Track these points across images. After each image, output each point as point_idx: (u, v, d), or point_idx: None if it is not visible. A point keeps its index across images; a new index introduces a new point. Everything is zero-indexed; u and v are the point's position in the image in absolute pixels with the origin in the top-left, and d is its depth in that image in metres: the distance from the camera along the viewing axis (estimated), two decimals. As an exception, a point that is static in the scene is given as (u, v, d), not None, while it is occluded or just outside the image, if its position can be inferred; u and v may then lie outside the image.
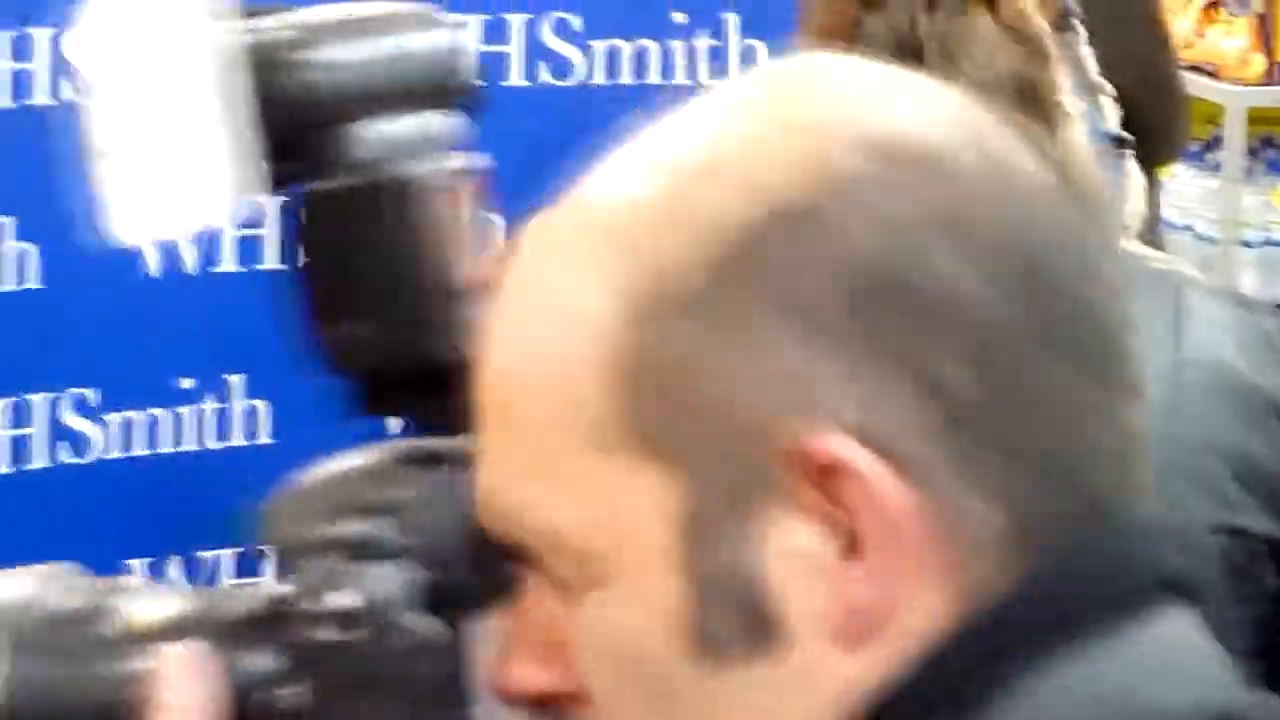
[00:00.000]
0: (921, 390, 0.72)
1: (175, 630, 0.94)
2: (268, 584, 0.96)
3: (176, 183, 0.99)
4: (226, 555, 2.55)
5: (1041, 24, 2.19)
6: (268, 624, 0.93)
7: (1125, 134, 2.22)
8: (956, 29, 2.11)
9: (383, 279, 1.00)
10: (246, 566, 2.46)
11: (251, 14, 0.97)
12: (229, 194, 0.96)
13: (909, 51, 1.92)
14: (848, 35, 2.14)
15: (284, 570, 0.94)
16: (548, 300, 0.77)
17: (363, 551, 0.93)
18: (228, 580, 2.63)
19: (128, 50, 0.96)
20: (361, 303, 0.98)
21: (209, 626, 0.94)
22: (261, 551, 1.05)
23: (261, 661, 0.92)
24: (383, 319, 1.00)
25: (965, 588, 0.74)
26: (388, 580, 0.92)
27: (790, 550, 0.73)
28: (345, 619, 0.90)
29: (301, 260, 1.02)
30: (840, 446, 0.70)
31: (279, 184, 0.95)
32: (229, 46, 0.94)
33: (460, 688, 0.91)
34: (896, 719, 0.74)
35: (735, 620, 0.75)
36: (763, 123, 0.77)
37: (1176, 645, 0.76)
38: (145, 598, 0.98)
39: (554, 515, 0.76)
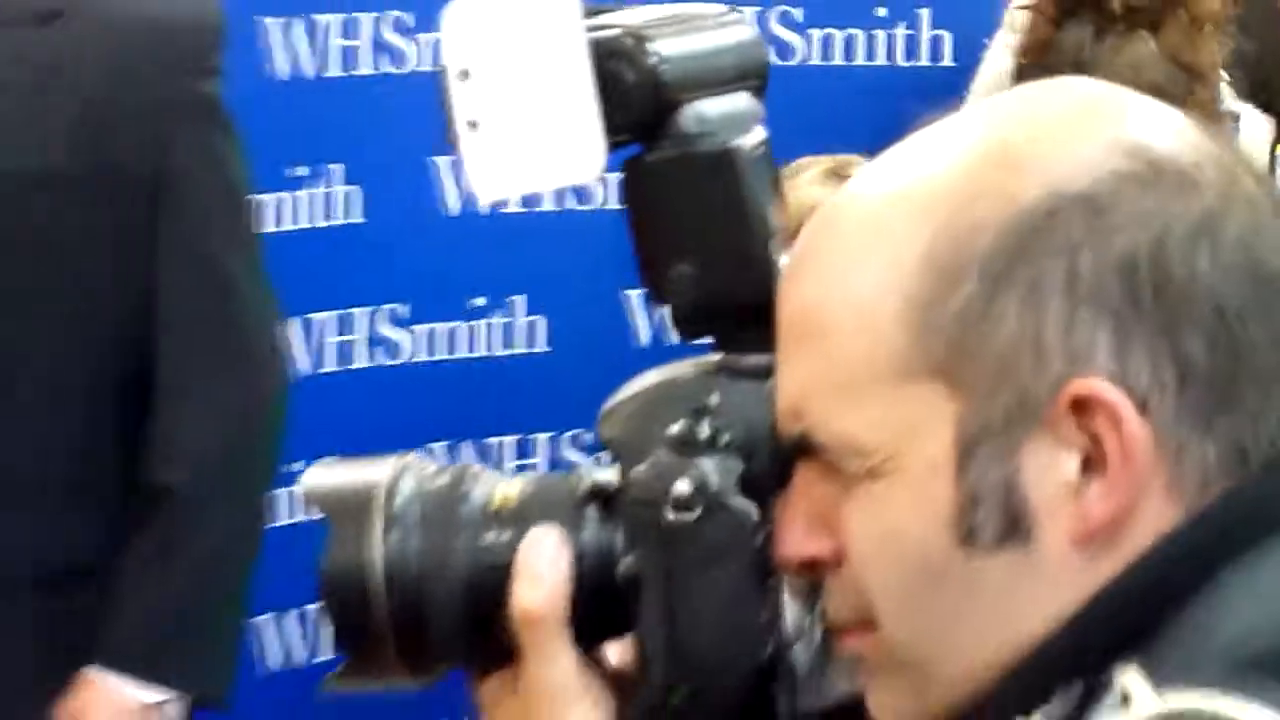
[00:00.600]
0: (1164, 352, 0.76)
1: (529, 507, 0.94)
2: (586, 469, 0.95)
3: (542, 149, 1.01)
4: (509, 441, 2.65)
5: (1200, 48, 2.22)
6: (605, 504, 0.92)
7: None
8: (1121, 53, 2.14)
9: (705, 229, 0.98)
10: (524, 449, 2.65)
11: (592, 13, 0.98)
12: (591, 156, 0.99)
13: (1080, 69, 1.83)
14: (1043, 52, 2.24)
15: (623, 462, 0.92)
16: (860, 252, 0.81)
17: (690, 446, 0.92)
18: (509, 463, 2.70)
19: (499, 33, 0.98)
20: (687, 249, 0.97)
21: (554, 504, 0.94)
22: (533, 441, 1.06)
23: (603, 537, 0.92)
24: (704, 262, 0.98)
25: (1183, 506, 0.78)
26: (711, 470, 0.90)
27: (1046, 467, 0.77)
28: (680, 503, 0.89)
29: (635, 215, 0.99)
30: (1098, 387, 0.76)
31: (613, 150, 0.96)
32: (582, 34, 0.95)
33: (770, 560, 0.90)
34: (1119, 610, 0.77)
35: (995, 519, 0.78)
36: (1048, 125, 0.83)
37: None
38: (491, 479, 0.96)
39: (851, 424, 0.81)
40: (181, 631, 1.83)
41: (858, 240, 0.82)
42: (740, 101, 1.02)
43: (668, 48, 0.98)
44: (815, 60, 2.78)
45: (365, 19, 2.39)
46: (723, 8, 1.08)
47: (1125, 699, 0.73)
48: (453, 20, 0.97)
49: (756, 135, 0.99)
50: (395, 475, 0.94)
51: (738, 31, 1.04)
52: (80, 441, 1.80)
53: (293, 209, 2.37)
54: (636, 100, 0.99)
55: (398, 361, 2.52)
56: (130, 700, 1.77)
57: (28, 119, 1.71)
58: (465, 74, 1.00)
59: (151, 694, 1.78)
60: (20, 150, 1.65)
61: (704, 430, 0.91)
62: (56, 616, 1.78)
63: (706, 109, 1.00)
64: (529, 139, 1.01)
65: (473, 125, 0.99)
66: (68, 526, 1.79)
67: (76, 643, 1.76)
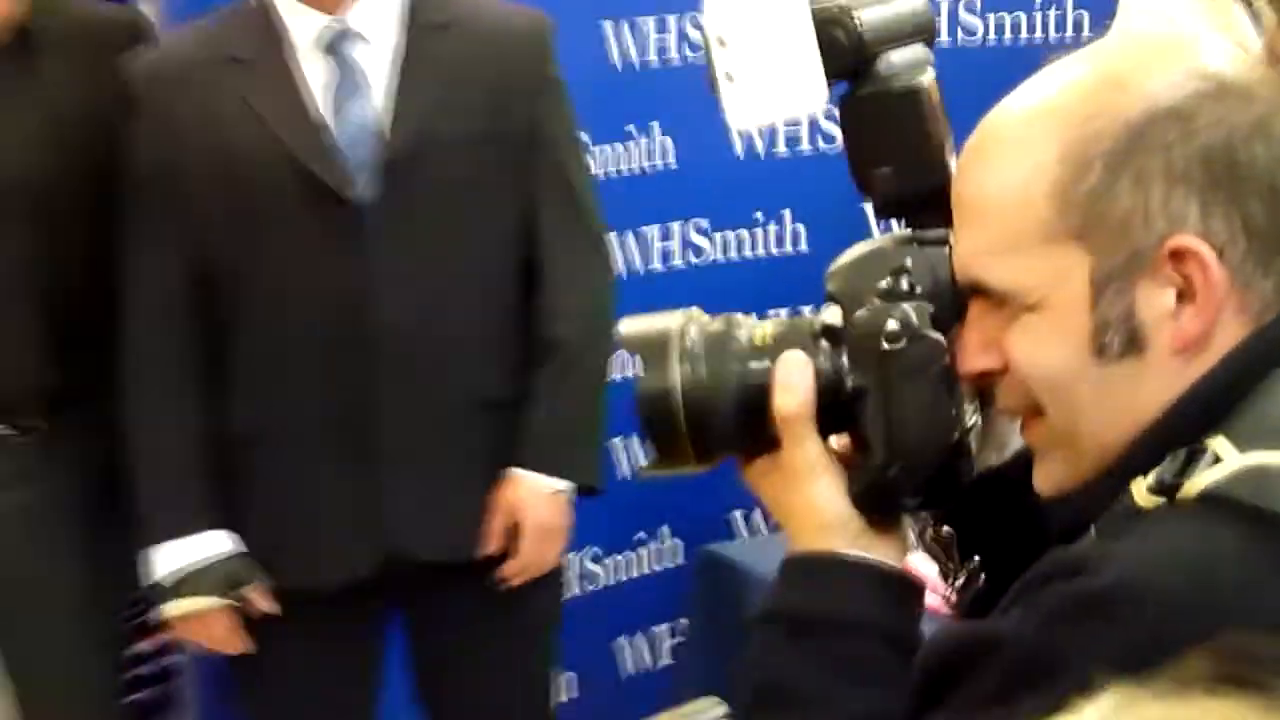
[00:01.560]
0: (1235, 216, 0.77)
1: (780, 341, 0.94)
2: (817, 315, 0.95)
3: (780, 92, 1.01)
4: (781, 313, 2.61)
5: None
6: (833, 339, 0.93)
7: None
8: None
9: (898, 143, 0.98)
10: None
11: None
12: (815, 95, 1.01)
13: None
14: None
15: (846, 308, 0.93)
16: (1014, 149, 0.81)
17: (894, 295, 0.93)
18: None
19: (745, 9, 0.99)
20: (887, 155, 0.98)
21: (798, 338, 0.94)
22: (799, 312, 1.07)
23: (835, 361, 0.93)
24: (899, 165, 0.98)
25: (1251, 324, 0.79)
26: (910, 312, 0.91)
27: (1153, 299, 0.78)
28: (891, 336, 0.90)
29: (848, 135, 1.02)
30: (1189, 241, 0.78)
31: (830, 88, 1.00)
32: (806, 6, 0.96)
33: (954, 373, 0.90)
34: (1207, 397, 0.78)
35: (1120, 338, 0.80)
36: (1145, 57, 0.82)
37: None
38: (751, 323, 0.97)
39: (1012, 272, 0.82)
40: (572, 440, 1.96)
41: (1011, 146, 0.82)
42: (918, 52, 1.02)
43: (867, 15, 1.00)
44: (991, 40, 2.78)
45: (671, 19, 2.57)
46: None
47: (1217, 458, 0.74)
48: (712, 3, 1.01)
49: (929, 74, 1.00)
50: (684, 322, 0.95)
51: (913, 1, 1.05)
52: (501, 310, 1.94)
53: (627, 155, 2.59)
54: (847, 53, 1.00)
55: (702, 261, 2.70)
56: (545, 489, 1.90)
57: (459, 98, 1.86)
58: (721, 41, 1.02)
59: (557, 484, 1.90)
60: (466, 117, 1.81)
61: (903, 283, 0.91)
62: (492, 430, 1.91)
63: (895, 58, 1.01)
64: (770, 85, 1.04)
65: (729, 78, 1.02)
66: (499, 367, 1.93)
67: (503, 449, 1.89)
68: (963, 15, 2.77)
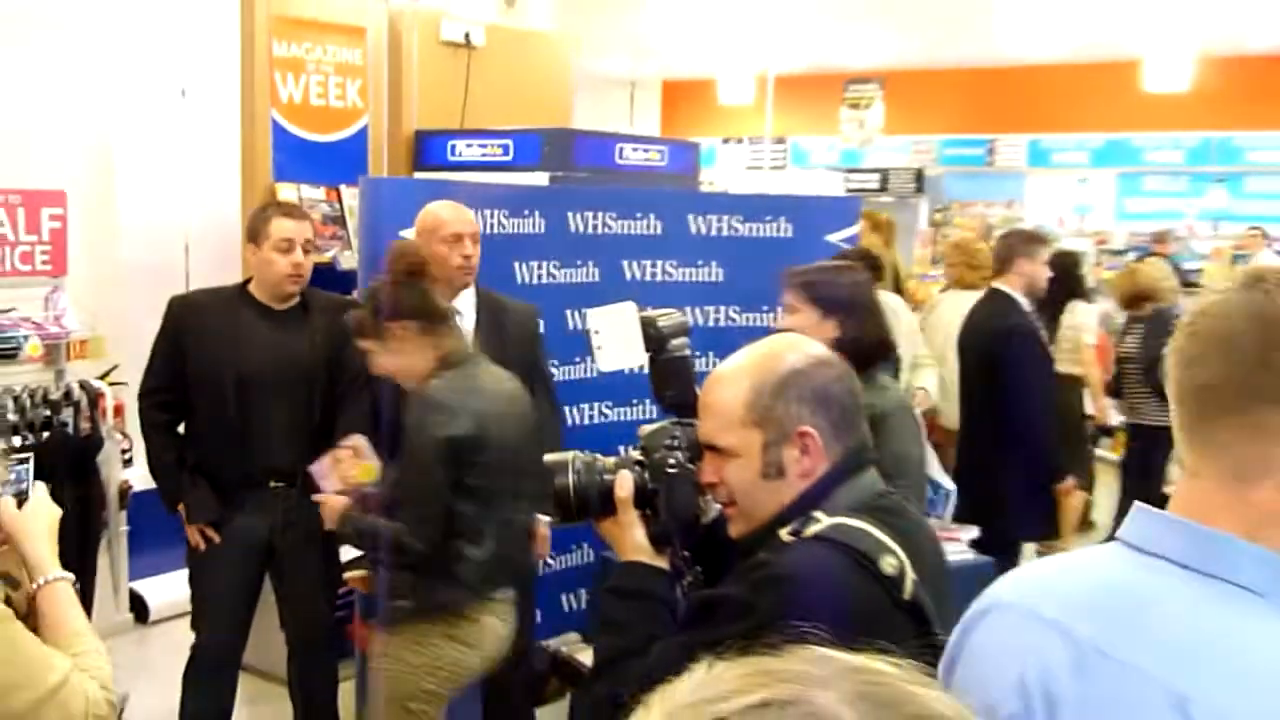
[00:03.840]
0: (824, 417, 1.56)
1: (618, 466, 1.74)
2: (630, 454, 1.74)
3: (624, 351, 2.37)
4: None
5: None
6: (643, 465, 1.72)
7: None
8: None
9: (676, 380, 2.14)
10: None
11: (642, 311, 2.38)
12: (638, 357, 2.21)
13: None
14: None
15: (648, 451, 1.72)
16: (729, 383, 1.58)
17: (672, 448, 1.70)
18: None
19: (608, 319, 2.42)
20: (671, 385, 2.02)
21: (627, 465, 1.74)
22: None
23: (643, 476, 1.72)
24: (674, 390, 2.05)
25: (830, 466, 1.59)
26: (680, 456, 1.67)
27: (790, 453, 1.55)
28: (670, 465, 1.68)
29: (652, 378, 2.21)
30: (808, 428, 1.55)
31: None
32: (637, 321, 2.26)
33: (699, 484, 1.66)
34: (813, 495, 1.56)
35: (773, 470, 1.56)
36: (784, 346, 1.70)
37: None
38: (604, 458, 1.80)
39: (726, 441, 1.61)
40: None
41: (727, 382, 1.64)
42: (683, 339, 2.12)
43: (662, 322, 2.11)
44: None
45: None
46: (673, 312, 2.26)
47: (818, 520, 1.53)
48: (592, 314, 2.47)
49: (688, 349, 2.14)
50: (575, 455, 1.73)
51: (680, 316, 2.17)
52: None
53: (572, 369, 4.24)
54: (653, 340, 2.13)
55: (605, 420, 4.35)
56: None
57: (505, 345, 3.66)
58: (596, 331, 2.43)
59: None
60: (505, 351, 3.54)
61: (676, 442, 1.72)
62: None
63: (674, 342, 2.14)
64: (618, 352, 2.30)
65: (599, 348, 2.44)
66: None
67: None
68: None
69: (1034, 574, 1.19)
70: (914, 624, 1.34)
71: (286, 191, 4.90)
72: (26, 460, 1.67)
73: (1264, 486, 1.00)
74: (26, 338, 4.39)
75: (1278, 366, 0.98)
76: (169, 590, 5.04)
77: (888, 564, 1.37)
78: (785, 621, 1.10)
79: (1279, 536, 0.99)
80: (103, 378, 4.53)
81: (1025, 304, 4.96)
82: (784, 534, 1.47)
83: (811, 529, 1.43)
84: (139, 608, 5.24)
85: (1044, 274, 5.01)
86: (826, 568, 1.40)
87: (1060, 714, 1.02)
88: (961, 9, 11.62)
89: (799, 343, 1.66)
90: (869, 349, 2.64)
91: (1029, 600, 1.12)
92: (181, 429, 3.79)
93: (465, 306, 3.53)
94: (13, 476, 1.73)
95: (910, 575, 1.38)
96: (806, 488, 1.53)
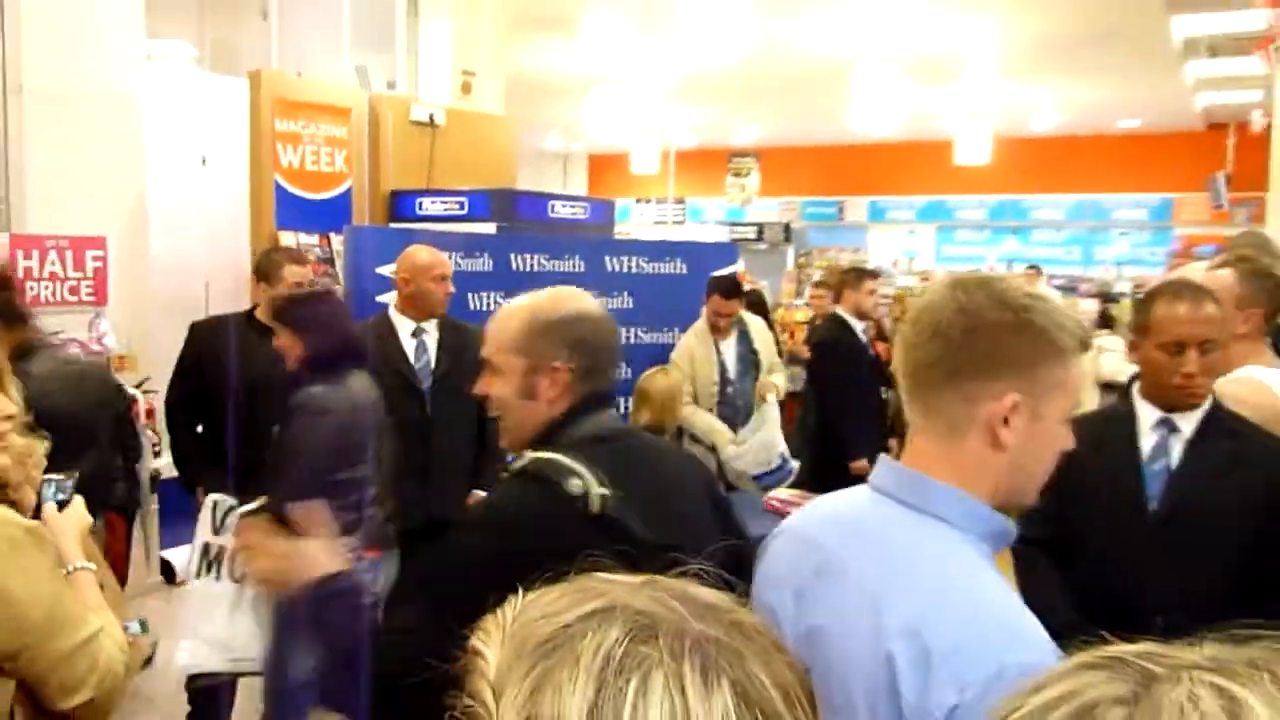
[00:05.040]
0: (578, 357, 1.46)
1: None
2: None
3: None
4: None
5: None
6: None
7: None
8: None
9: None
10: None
11: None
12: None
13: None
14: None
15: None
16: (510, 319, 1.52)
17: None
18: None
19: None
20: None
21: None
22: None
23: None
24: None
25: (570, 403, 1.46)
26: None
27: (543, 383, 1.45)
28: None
29: None
30: (560, 364, 1.45)
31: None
32: None
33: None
34: (550, 425, 1.46)
35: (528, 392, 1.45)
36: (559, 296, 1.54)
37: None
38: None
39: (500, 361, 1.48)
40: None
41: (510, 316, 1.52)
42: None
43: None
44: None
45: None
46: None
47: (522, 456, 1.41)
48: None
49: None
50: None
51: None
52: (473, 441, 3.48)
53: None
54: None
55: None
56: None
57: (461, 360, 3.59)
58: None
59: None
60: (470, 367, 3.57)
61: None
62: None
63: None
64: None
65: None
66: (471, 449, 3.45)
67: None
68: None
69: (811, 507, 1.24)
70: (607, 533, 1.24)
71: (288, 238, 4.89)
72: (72, 478, 1.74)
73: (969, 439, 1.06)
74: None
75: (976, 347, 1.03)
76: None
77: (573, 486, 1.32)
78: (498, 546, 1.23)
79: (981, 479, 1.06)
80: (138, 387, 4.42)
81: (856, 323, 5.12)
82: (504, 474, 1.52)
83: (518, 465, 1.42)
84: (168, 572, 5.02)
85: (869, 300, 5.18)
86: (517, 497, 1.39)
87: (804, 602, 1.09)
88: (818, 101, 11.87)
89: (577, 296, 1.58)
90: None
91: (799, 522, 1.20)
92: (200, 428, 3.67)
93: (431, 328, 3.56)
94: (53, 489, 1.73)
95: (598, 492, 1.32)
96: (554, 415, 1.48)
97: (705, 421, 4.47)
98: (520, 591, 0.59)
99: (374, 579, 1.68)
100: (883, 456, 1.16)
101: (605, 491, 1.31)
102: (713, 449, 4.46)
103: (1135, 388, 2.06)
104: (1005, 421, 1.04)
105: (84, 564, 1.71)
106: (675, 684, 0.51)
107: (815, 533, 1.14)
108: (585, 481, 1.31)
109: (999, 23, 8.72)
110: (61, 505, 1.75)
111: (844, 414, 4.87)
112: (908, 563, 1.03)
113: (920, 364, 1.08)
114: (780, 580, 1.14)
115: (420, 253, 3.64)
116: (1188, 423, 1.99)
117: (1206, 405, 2.00)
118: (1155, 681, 0.45)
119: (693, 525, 1.48)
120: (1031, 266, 12.92)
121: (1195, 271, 2.54)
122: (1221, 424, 1.99)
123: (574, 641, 0.53)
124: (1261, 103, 10.24)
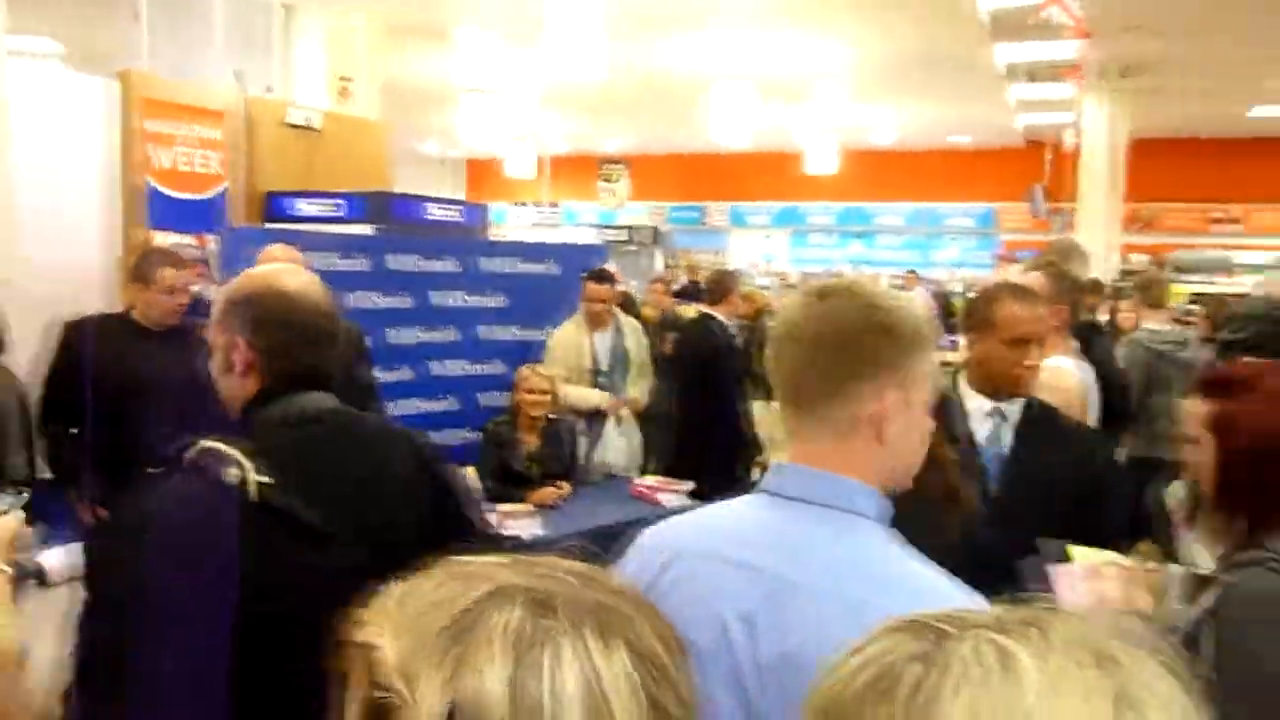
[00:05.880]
0: (277, 336, 1.34)
1: None
2: None
3: None
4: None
5: None
6: None
7: None
8: None
9: None
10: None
11: None
12: None
13: None
14: None
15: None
16: (220, 294, 1.67)
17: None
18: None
19: None
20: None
21: None
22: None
23: None
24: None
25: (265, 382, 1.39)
26: None
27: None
28: None
29: None
30: (241, 340, 1.37)
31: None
32: None
33: None
34: (269, 394, 1.36)
35: (230, 360, 1.39)
36: (267, 274, 1.46)
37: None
38: None
39: (211, 334, 1.40)
40: None
41: (221, 291, 1.46)
42: None
43: None
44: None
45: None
46: None
47: (190, 445, 1.25)
48: None
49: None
50: None
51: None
52: None
53: None
54: None
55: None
56: None
57: None
58: None
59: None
60: None
61: None
62: None
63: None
64: None
65: None
66: None
67: None
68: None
69: (700, 527, 1.13)
70: (271, 519, 1.23)
71: (161, 238, 4.65)
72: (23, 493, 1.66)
73: (857, 438, 1.06)
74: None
75: (853, 354, 1.04)
76: (63, 560, 4.67)
77: (230, 475, 1.26)
78: (153, 541, 1.20)
79: (871, 472, 1.06)
80: (4, 388, 4.30)
81: (728, 323, 5.29)
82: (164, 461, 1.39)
83: (187, 455, 1.32)
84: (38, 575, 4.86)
85: (740, 304, 5.43)
86: (175, 492, 1.30)
87: (759, 629, 1.01)
88: (680, 114, 12.01)
89: (275, 275, 1.50)
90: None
91: (710, 545, 1.09)
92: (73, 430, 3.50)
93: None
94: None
95: (255, 479, 1.26)
96: (248, 393, 1.43)
97: (579, 394, 4.51)
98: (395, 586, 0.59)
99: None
100: (775, 462, 1.12)
101: (263, 479, 1.26)
102: (585, 433, 4.50)
103: (961, 378, 2.13)
104: (886, 417, 1.07)
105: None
106: (582, 650, 0.54)
107: (738, 555, 1.05)
108: (243, 469, 1.27)
109: (843, 46, 9.08)
110: None
111: (732, 410, 4.96)
112: (868, 563, 1.02)
113: (799, 374, 1.07)
114: (709, 608, 1.03)
115: (277, 253, 3.41)
116: (1013, 411, 2.08)
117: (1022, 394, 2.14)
118: (946, 639, 0.50)
119: (388, 508, 1.43)
120: (910, 272, 13.37)
121: (1014, 274, 2.89)
122: (1037, 409, 2.10)
123: (480, 624, 0.54)
124: (1073, 124, 10.89)
